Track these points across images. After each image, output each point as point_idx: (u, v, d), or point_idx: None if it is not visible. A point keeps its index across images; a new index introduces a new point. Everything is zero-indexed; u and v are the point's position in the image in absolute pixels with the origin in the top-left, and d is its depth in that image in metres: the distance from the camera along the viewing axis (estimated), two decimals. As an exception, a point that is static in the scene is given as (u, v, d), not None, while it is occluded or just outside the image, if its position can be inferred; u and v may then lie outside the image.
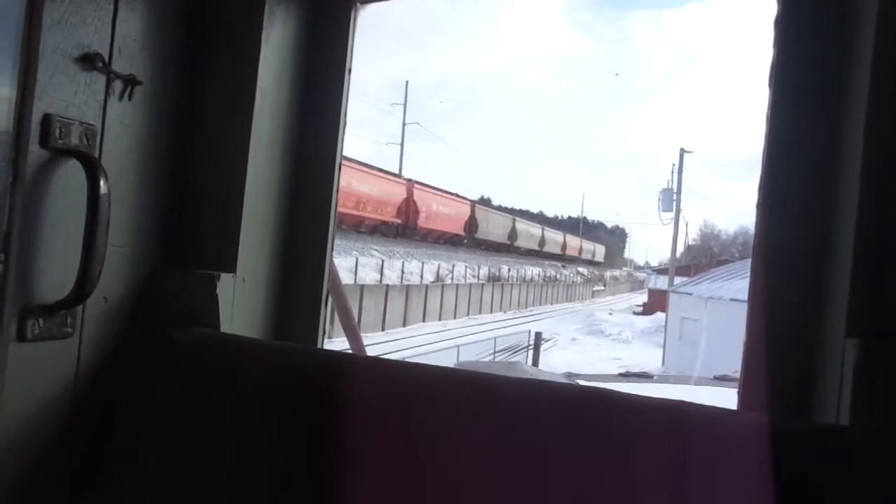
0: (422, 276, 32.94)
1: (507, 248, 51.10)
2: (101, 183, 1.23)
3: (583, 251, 79.57)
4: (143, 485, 1.33)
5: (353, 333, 2.20)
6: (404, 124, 47.88)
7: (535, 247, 58.81)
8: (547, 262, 61.25)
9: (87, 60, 1.27)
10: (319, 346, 1.63)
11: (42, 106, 1.20)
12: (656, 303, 39.16)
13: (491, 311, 39.09)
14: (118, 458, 1.34)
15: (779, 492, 0.95)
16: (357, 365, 1.39)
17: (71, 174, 1.25)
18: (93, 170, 1.24)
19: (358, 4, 1.68)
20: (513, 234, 51.14)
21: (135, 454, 1.34)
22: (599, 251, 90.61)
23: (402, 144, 47.83)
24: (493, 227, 47.15)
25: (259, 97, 1.51)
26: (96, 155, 1.29)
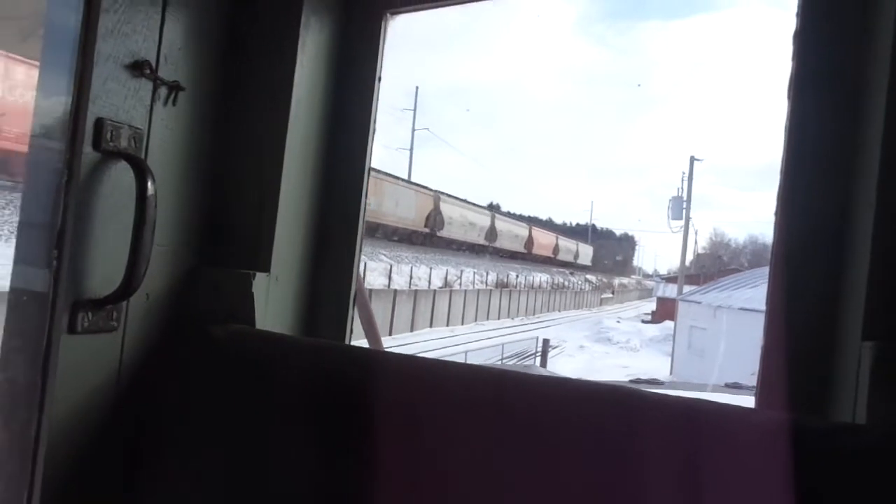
0: (430, 282, 33.00)
1: (484, 249, 45.87)
2: (149, 184, 1.30)
3: (559, 251, 67.38)
4: (182, 469, 1.39)
5: (374, 336, 2.25)
6: (413, 130, 48.14)
7: (521, 248, 54.22)
8: (543, 268, 59.19)
9: (136, 67, 1.34)
10: (347, 342, 1.68)
11: (95, 110, 1.26)
12: (665, 311, 39.04)
13: (499, 318, 39.08)
14: (160, 444, 1.40)
15: (795, 489, 0.99)
16: (384, 361, 1.45)
17: (120, 175, 1.32)
18: (141, 171, 1.30)
19: (388, 15, 1.74)
20: (491, 233, 45.89)
21: (175, 441, 1.40)
22: (584, 252, 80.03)
23: (411, 150, 48.05)
24: (465, 225, 41.33)
25: (294, 103, 1.57)
26: (142, 157, 1.36)
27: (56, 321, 1.24)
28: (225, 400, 1.41)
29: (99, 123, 1.27)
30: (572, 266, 71.54)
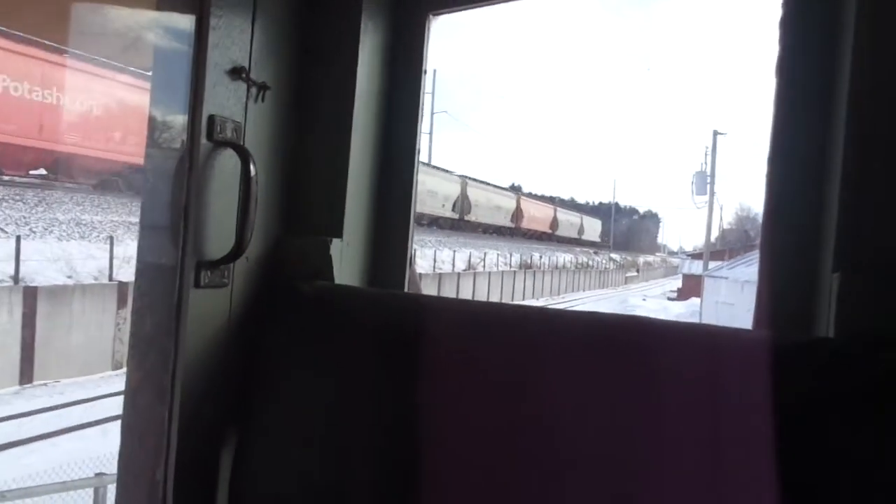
0: (453, 265, 33.32)
1: (454, 224, 40.20)
2: (251, 167, 1.61)
3: (557, 225, 58.26)
4: (279, 400, 1.70)
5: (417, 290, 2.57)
6: (433, 113, 48.24)
7: (508, 222, 46.99)
8: (566, 248, 55.82)
9: (235, 72, 1.64)
10: (405, 291, 2.01)
11: (207, 108, 1.57)
12: (691, 288, 38.91)
13: (523, 298, 39.32)
14: (261, 379, 1.72)
15: (783, 393, 1.27)
16: (438, 305, 1.75)
17: (226, 161, 1.63)
18: (244, 157, 1.61)
19: (431, 16, 2.02)
20: (462, 204, 40.07)
21: (272, 377, 1.72)
22: (590, 227, 71.21)
23: (430, 133, 48.09)
24: (427, 195, 35.63)
25: (357, 96, 1.87)
26: (243, 145, 1.67)
27: (185, 278, 1.56)
28: (312, 343, 1.72)
29: (211, 119, 1.57)
30: (576, 242, 64.18)
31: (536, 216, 53.85)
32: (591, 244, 68.60)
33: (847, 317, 1.32)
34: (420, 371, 1.56)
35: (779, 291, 1.52)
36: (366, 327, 1.68)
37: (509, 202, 47.90)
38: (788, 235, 1.53)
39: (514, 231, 48.40)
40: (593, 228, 72.26)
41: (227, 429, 1.71)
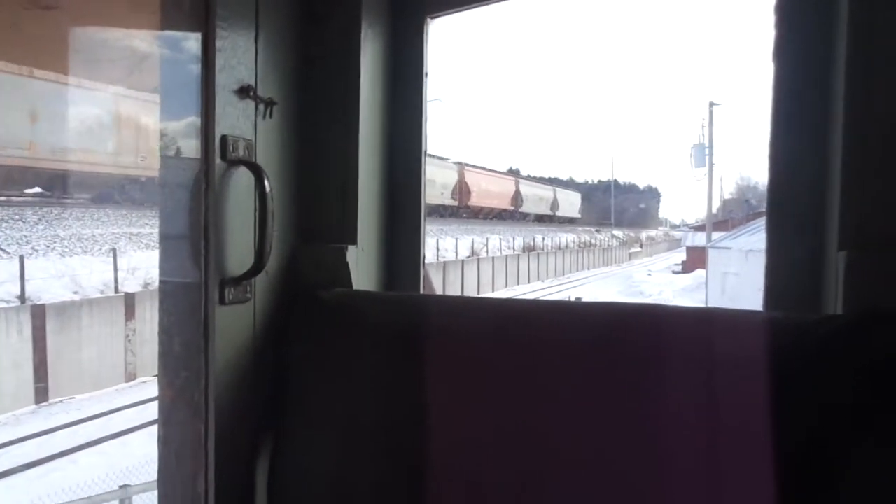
0: (456, 253, 33.33)
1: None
2: (266, 183, 1.64)
3: (520, 200, 49.01)
4: (307, 404, 1.74)
5: (431, 290, 2.62)
6: (426, 101, 47.83)
7: (449, 200, 38.27)
8: (569, 229, 52.48)
9: (243, 91, 1.67)
10: (421, 293, 2.05)
11: (220, 129, 1.60)
12: (695, 260, 38.89)
13: (528, 281, 39.38)
14: (289, 387, 1.76)
15: (794, 372, 1.30)
16: (453, 303, 1.82)
17: (241, 178, 1.66)
18: (258, 174, 1.65)
19: (429, 19, 2.05)
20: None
21: (299, 384, 1.76)
22: (567, 201, 61.00)
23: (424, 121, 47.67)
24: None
25: (362, 104, 1.90)
26: (255, 161, 1.70)
27: (210, 296, 1.60)
28: (336, 349, 1.76)
29: (224, 139, 1.61)
30: (549, 220, 56.29)
31: (491, 190, 44.95)
32: (570, 220, 60.91)
33: (854, 294, 1.36)
34: (443, 370, 1.60)
35: (786, 271, 1.56)
36: (387, 330, 1.72)
37: (449, 175, 38.03)
38: (793, 215, 1.56)
39: (457, 210, 39.74)
40: (570, 202, 62.70)
41: (261, 438, 1.75)
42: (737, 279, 24.50)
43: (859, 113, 1.39)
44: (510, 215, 48.53)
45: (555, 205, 57.53)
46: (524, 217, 50.75)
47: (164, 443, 1.75)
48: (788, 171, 1.57)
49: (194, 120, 1.63)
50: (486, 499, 1.50)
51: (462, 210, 40.35)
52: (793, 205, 1.56)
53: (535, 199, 53.33)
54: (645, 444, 1.37)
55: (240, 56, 1.66)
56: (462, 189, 39.20)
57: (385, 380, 1.68)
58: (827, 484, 1.24)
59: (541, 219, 54.27)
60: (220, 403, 1.62)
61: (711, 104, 37.03)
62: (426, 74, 2.05)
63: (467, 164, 41.08)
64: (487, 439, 1.52)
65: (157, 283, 1.79)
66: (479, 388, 1.57)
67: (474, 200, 41.83)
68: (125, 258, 19.52)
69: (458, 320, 1.67)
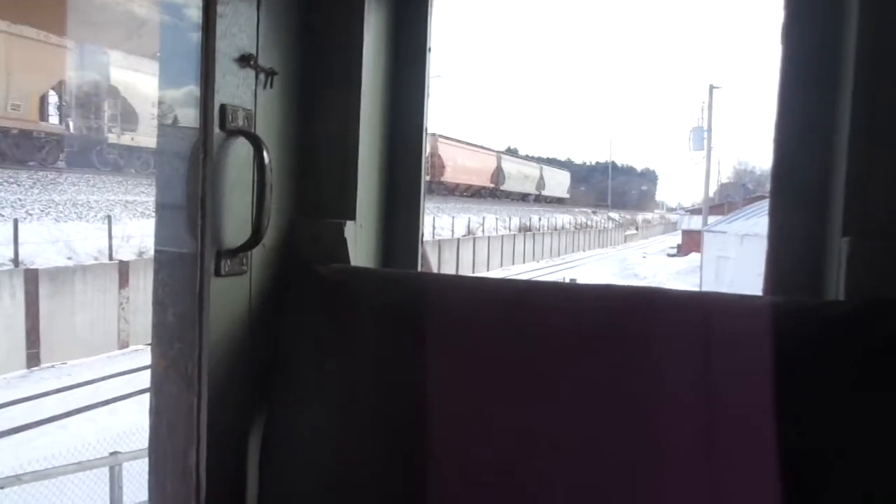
0: (452, 231, 33.28)
1: None
2: (265, 154, 1.61)
3: (501, 178, 45.90)
4: (301, 377, 1.73)
5: (429, 268, 2.61)
6: (429, 76, 47.12)
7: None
8: (565, 209, 51.14)
9: (244, 60, 1.63)
10: (418, 270, 2.04)
11: (219, 98, 1.57)
12: (691, 244, 39.01)
13: (524, 261, 39.45)
14: (283, 360, 1.75)
15: (795, 356, 1.30)
16: (450, 282, 1.81)
17: (240, 148, 1.63)
18: (258, 145, 1.62)
19: None
20: None
21: (297, 363, 1.75)
22: (555, 179, 57.97)
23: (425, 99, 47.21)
24: None
25: (364, 76, 1.86)
26: (254, 132, 1.67)
27: (206, 267, 1.58)
28: (331, 324, 1.75)
29: (223, 109, 1.57)
30: (536, 199, 54.13)
31: (468, 165, 41.66)
32: (558, 200, 57.87)
33: (856, 280, 1.35)
34: (438, 348, 1.60)
35: (788, 255, 1.56)
36: (383, 307, 1.71)
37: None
38: (797, 199, 1.55)
39: (429, 185, 35.45)
40: (557, 182, 59.45)
41: (253, 411, 1.75)
42: (730, 263, 24.63)
43: (868, 97, 1.37)
44: (490, 193, 45.70)
45: (541, 184, 54.74)
46: (507, 196, 47.85)
47: (156, 413, 1.74)
48: (793, 155, 1.55)
49: (193, 89, 1.59)
50: (481, 475, 1.51)
51: (434, 185, 37.28)
52: (797, 188, 1.55)
53: (520, 176, 50.44)
54: (644, 427, 1.37)
55: (241, 23, 1.62)
56: (435, 163, 36.23)
57: (380, 356, 1.67)
58: (826, 467, 1.24)
59: (525, 198, 51.43)
60: (214, 376, 1.61)
61: (712, 87, 36.88)
62: (429, 49, 2.02)
63: (441, 136, 37.87)
64: (484, 418, 1.52)
65: (151, 252, 1.77)
66: (474, 366, 1.57)
67: (448, 176, 38.99)
68: (119, 225, 19.43)
69: (455, 299, 1.66)
